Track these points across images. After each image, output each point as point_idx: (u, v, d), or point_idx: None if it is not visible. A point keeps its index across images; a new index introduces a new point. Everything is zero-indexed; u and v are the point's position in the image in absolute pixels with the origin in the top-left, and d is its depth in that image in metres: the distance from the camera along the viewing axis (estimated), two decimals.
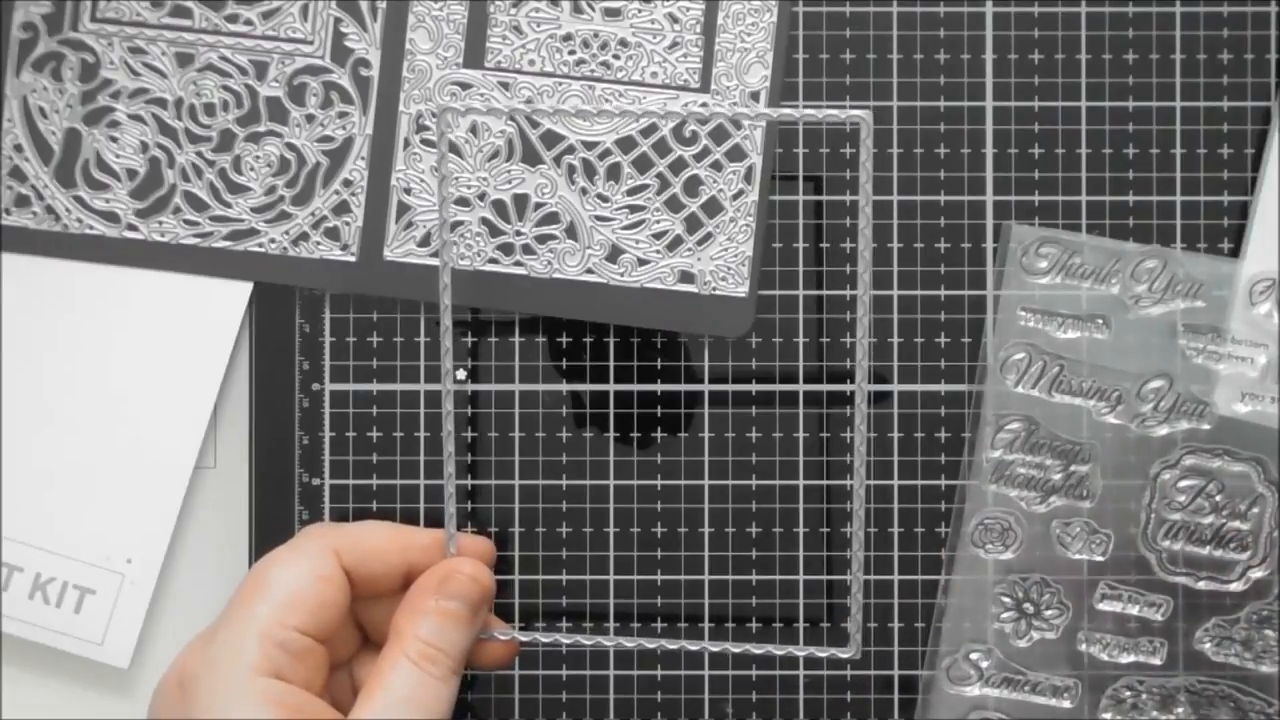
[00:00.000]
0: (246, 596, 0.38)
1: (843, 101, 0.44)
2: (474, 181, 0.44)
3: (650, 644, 0.42)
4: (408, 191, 0.44)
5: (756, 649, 0.41)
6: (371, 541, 0.40)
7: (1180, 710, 0.43)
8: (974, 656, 0.44)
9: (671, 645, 0.41)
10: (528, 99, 0.44)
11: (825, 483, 0.44)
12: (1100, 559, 0.44)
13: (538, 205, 0.44)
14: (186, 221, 0.44)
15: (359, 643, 0.42)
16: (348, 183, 0.44)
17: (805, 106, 0.41)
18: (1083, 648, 0.44)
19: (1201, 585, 0.43)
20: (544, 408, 0.44)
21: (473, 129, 0.44)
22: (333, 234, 0.44)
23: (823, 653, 0.40)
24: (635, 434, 0.44)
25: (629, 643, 0.42)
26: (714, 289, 0.44)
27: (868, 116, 0.40)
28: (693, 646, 0.41)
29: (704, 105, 0.44)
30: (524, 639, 0.42)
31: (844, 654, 0.41)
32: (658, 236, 0.44)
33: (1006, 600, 0.44)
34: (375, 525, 0.42)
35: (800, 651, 0.41)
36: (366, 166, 0.44)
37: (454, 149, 0.44)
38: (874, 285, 0.44)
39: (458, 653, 0.39)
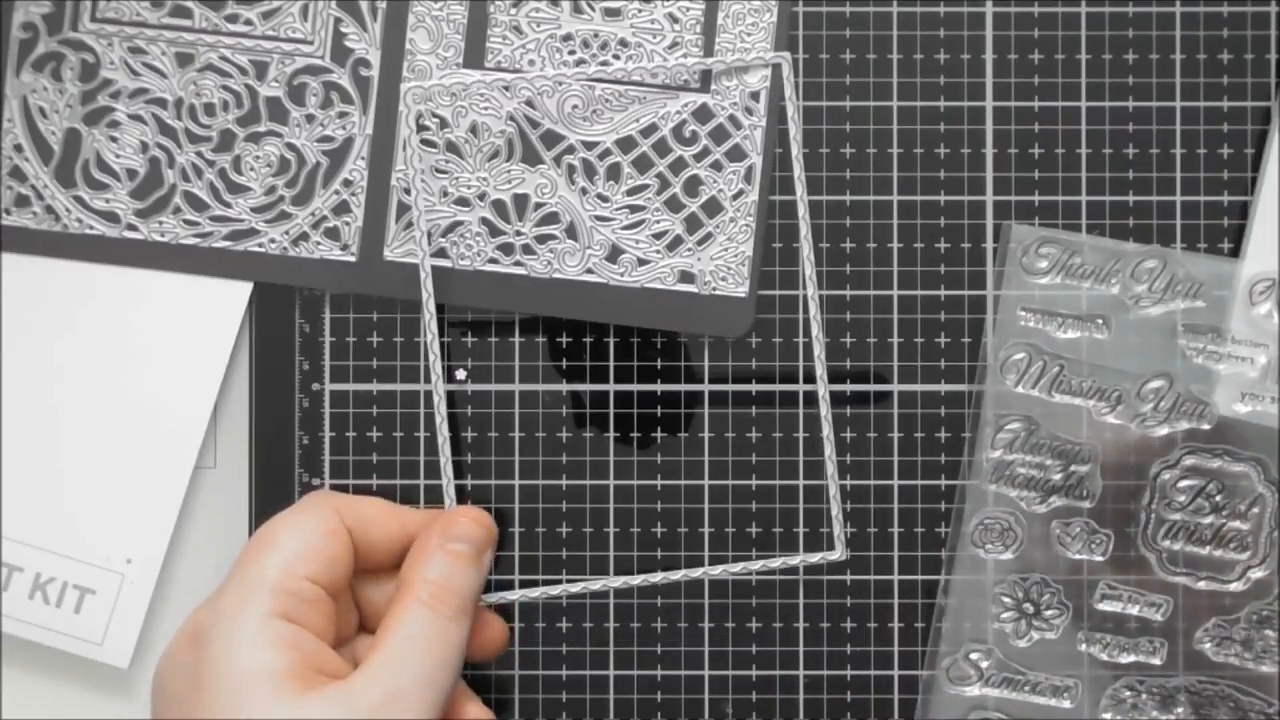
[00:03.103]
0: (254, 553, 0.39)
1: (842, 100, 0.44)
2: (474, 181, 0.44)
3: (654, 578, 0.43)
4: (408, 192, 0.44)
5: (755, 564, 0.43)
6: (370, 509, 0.41)
7: (1180, 710, 0.43)
8: (974, 656, 0.44)
9: (675, 575, 0.43)
10: (527, 97, 0.44)
11: (825, 483, 0.44)
12: (1100, 559, 0.44)
13: (538, 205, 0.44)
14: (186, 221, 0.44)
15: (356, 625, 0.42)
16: (348, 183, 0.44)
17: (730, 57, 0.43)
18: (1083, 648, 0.44)
19: (1201, 585, 0.43)
20: (544, 408, 0.44)
21: (473, 129, 0.44)
22: (333, 234, 0.44)
23: (814, 556, 0.43)
24: (635, 434, 0.44)
25: (616, 582, 0.43)
26: (714, 289, 0.44)
27: (788, 56, 0.42)
28: (695, 573, 0.43)
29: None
30: (512, 598, 0.43)
31: (833, 556, 0.43)
32: (658, 236, 0.44)
33: (1006, 600, 0.44)
34: (371, 498, 0.42)
35: (795, 559, 0.43)
36: (366, 166, 0.44)
37: (453, 149, 0.44)
38: (874, 285, 0.44)
39: (466, 592, 0.39)
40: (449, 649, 0.38)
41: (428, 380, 0.44)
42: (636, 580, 0.43)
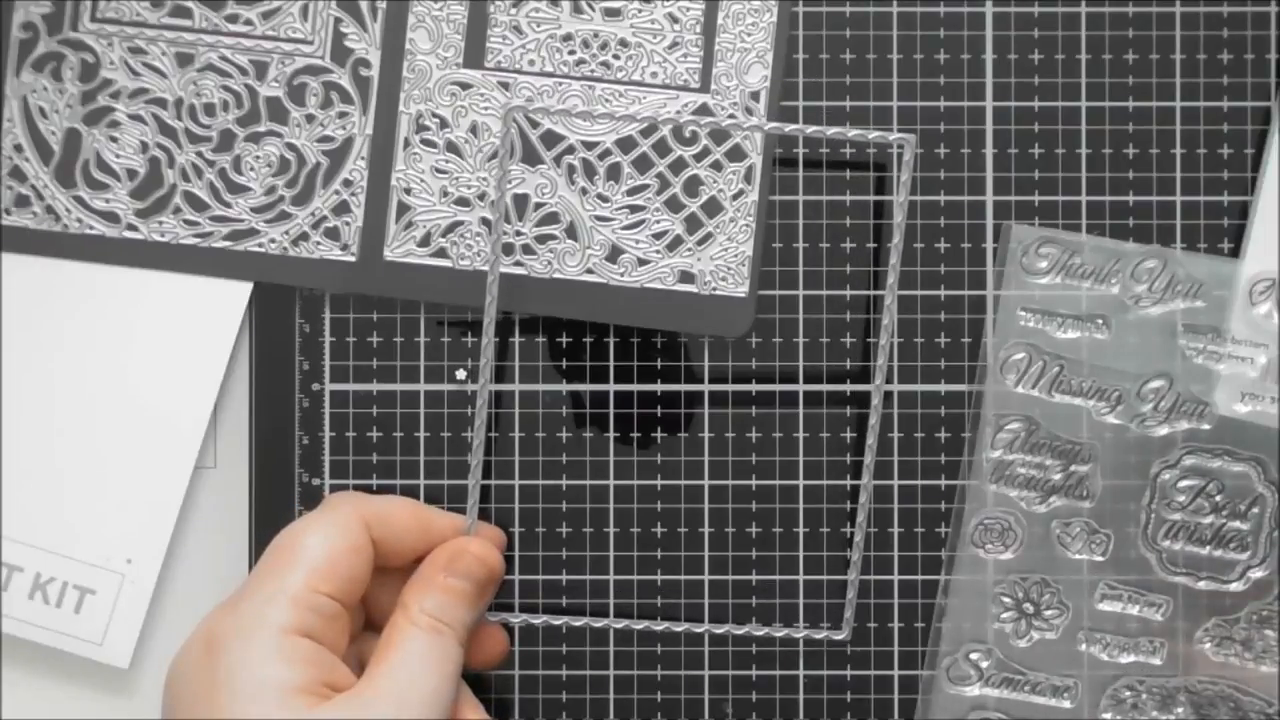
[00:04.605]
0: (278, 561, 0.39)
1: (843, 101, 0.44)
2: (474, 181, 0.44)
3: (657, 627, 0.43)
4: (408, 191, 0.44)
5: (758, 630, 0.43)
6: (396, 517, 0.41)
7: (1180, 710, 0.43)
8: (974, 656, 0.44)
9: (678, 628, 0.43)
10: (526, 97, 0.44)
11: (825, 483, 0.44)
12: (1100, 559, 0.44)
13: (538, 205, 0.44)
14: (186, 221, 0.44)
15: (363, 623, 0.42)
16: (348, 183, 0.44)
17: (852, 129, 0.42)
18: (1083, 648, 0.44)
19: (1201, 585, 0.43)
20: (544, 408, 0.44)
21: (473, 129, 0.44)
22: (333, 234, 0.44)
23: (818, 634, 0.43)
24: (635, 434, 0.44)
25: (618, 624, 0.43)
26: (714, 289, 0.44)
27: (912, 140, 0.41)
28: (698, 629, 0.43)
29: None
30: (515, 620, 0.43)
31: (837, 636, 0.43)
32: (658, 236, 0.44)
33: (1006, 600, 0.44)
34: (398, 501, 0.42)
35: (798, 634, 0.43)
36: (366, 166, 0.44)
37: (453, 148, 0.44)
38: (874, 285, 0.44)
39: (461, 627, 0.40)
40: (448, 666, 0.39)
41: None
42: (639, 626, 0.43)
